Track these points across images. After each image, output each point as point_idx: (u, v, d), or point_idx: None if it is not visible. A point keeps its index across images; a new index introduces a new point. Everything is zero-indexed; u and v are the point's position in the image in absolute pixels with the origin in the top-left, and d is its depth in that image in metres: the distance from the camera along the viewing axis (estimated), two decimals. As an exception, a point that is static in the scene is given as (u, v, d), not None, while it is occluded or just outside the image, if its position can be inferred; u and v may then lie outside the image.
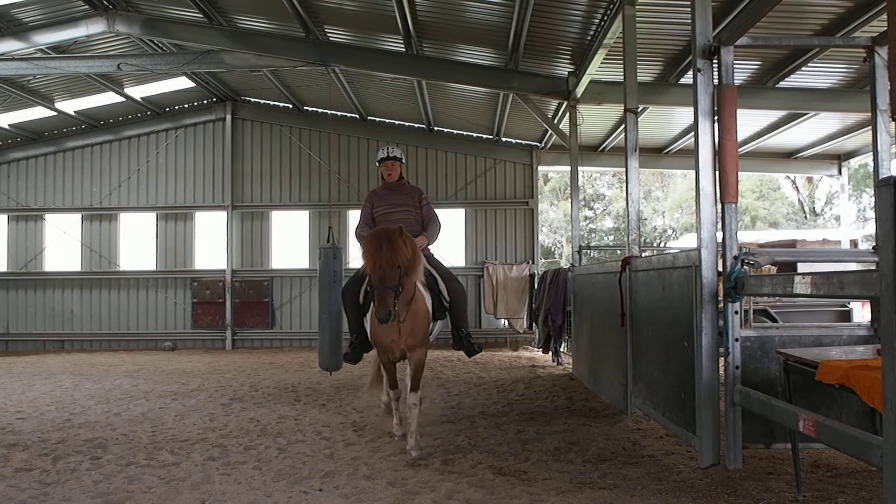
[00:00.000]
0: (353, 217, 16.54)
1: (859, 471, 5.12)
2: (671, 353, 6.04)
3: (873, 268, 3.42)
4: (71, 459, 6.15)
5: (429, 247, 7.12)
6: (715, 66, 5.37)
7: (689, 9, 5.54)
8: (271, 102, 17.62)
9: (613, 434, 6.76)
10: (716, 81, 5.37)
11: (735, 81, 5.34)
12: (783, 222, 33.33)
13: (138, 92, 16.04)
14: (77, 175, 17.90)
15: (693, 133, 5.49)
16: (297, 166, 17.71)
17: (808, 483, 4.80)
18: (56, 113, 16.22)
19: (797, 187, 33.20)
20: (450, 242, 16.47)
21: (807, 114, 12.86)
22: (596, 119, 14.27)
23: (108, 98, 15.95)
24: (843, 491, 4.70)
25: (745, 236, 19.10)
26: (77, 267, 17.79)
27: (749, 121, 13.66)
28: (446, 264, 7.51)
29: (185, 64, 13.04)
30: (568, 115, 12.28)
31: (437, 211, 7.52)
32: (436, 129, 17.40)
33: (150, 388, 10.54)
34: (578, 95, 11.79)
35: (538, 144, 17.34)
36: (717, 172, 5.29)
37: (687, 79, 11.34)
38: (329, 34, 12.53)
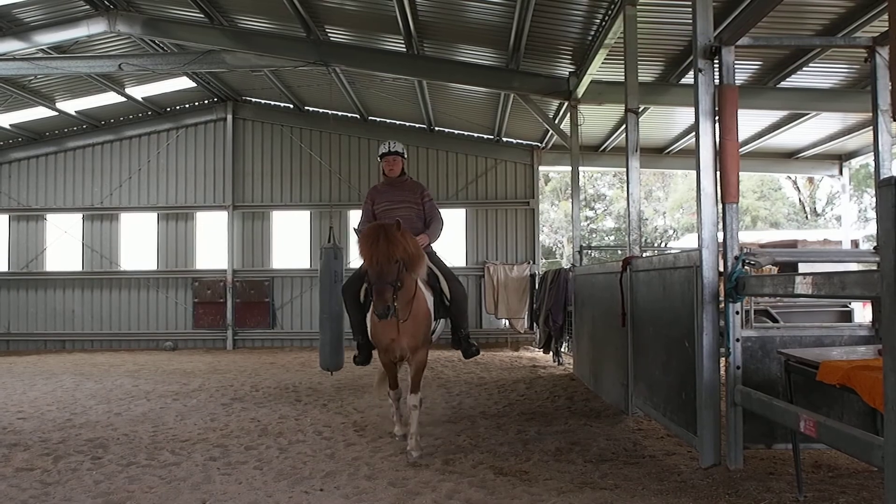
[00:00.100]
0: (354, 217, 16.46)
1: (860, 471, 5.12)
2: (672, 354, 6.04)
3: (874, 268, 3.42)
4: (72, 459, 6.15)
5: (431, 245, 7.02)
6: (716, 66, 5.37)
7: (690, 9, 5.54)
8: (272, 102, 17.63)
9: (614, 434, 6.75)
10: (717, 81, 5.37)
11: (736, 81, 5.34)
12: (784, 222, 33.33)
13: (139, 92, 16.04)
14: (78, 175, 17.91)
15: (694, 133, 5.48)
16: (298, 166, 17.71)
17: (809, 483, 4.80)
18: (57, 113, 16.23)
19: (798, 187, 33.19)
20: (451, 242, 16.46)
21: (808, 114, 12.85)
22: (597, 119, 14.27)
23: (109, 98, 15.96)
24: (845, 491, 4.70)
25: (746, 236, 19.09)
26: (78, 267, 17.81)
27: (750, 121, 13.65)
28: (448, 264, 7.35)
29: (185, 64, 13.05)
30: (569, 115, 12.28)
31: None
32: (436, 129, 17.40)
33: (151, 388, 10.55)
34: (579, 95, 11.78)
35: (539, 144, 17.34)
36: (718, 172, 5.28)
37: (688, 79, 11.33)
38: (330, 34, 12.53)
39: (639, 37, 8.93)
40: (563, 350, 13.13)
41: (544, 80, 12.26)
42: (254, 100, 17.78)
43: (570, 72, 11.95)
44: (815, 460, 5.40)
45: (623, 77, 8.99)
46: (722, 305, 5.21)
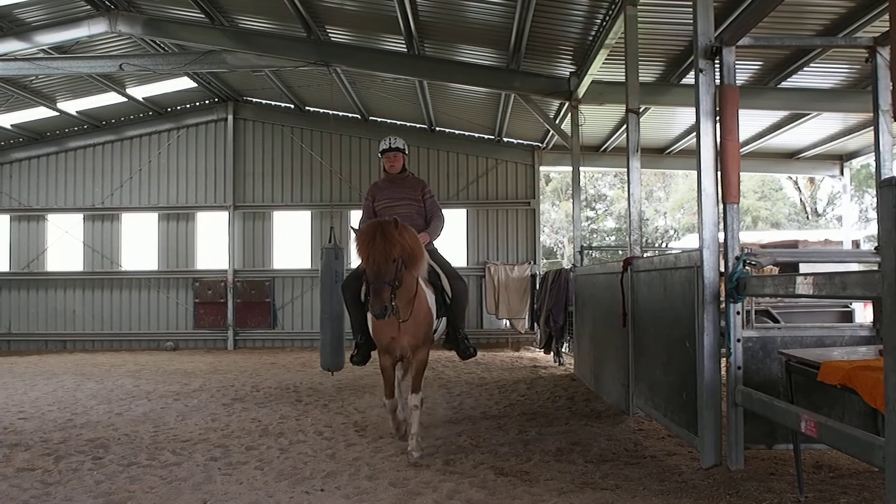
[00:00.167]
0: (355, 217, 16.51)
1: (861, 472, 5.11)
2: (673, 354, 6.03)
3: (875, 268, 3.42)
4: (73, 459, 6.16)
5: (433, 242, 6.92)
6: (717, 66, 5.37)
7: (691, 9, 5.54)
8: (273, 102, 17.63)
9: (615, 435, 6.75)
10: (717, 82, 5.37)
11: (737, 82, 5.34)
12: (785, 223, 33.31)
13: (140, 92, 16.05)
14: (79, 175, 17.92)
15: (695, 133, 5.48)
16: (299, 166, 17.72)
17: (810, 484, 4.79)
18: (58, 113, 16.23)
19: (799, 188, 33.17)
20: (451, 243, 16.45)
21: (809, 114, 12.85)
22: (597, 119, 14.27)
23: (110, 98, 15.96)
24: (846, 492, 4.69)
25: (747, 237, 19.08)
26: (79, 267, 17.81)
27: (751, 121, 13.65)
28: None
29: (186, 64, 13.05)
30: (570, 115, 12.28)
31: (439, 211, 7.33)
32: (437, 129, 17.40)
33: (152, 388, 10.55)
34: (580, 96, 11.78)
35: (540, 145, 17.34)
36: (719, 173, 5.28)
37: (689, 79, 11.33)
38: (330, 34, 12.54)
39: (639, 37, 8.93)
40: (563, 350, 13.12)
41: (545, 81, 12.26)
42: (254, 100, 17.78)
43: (570, 72, 11.95)
44: (816, 461, 5.40)
45: (624, 77, 8.98)
46: (723, 306, 5.21)
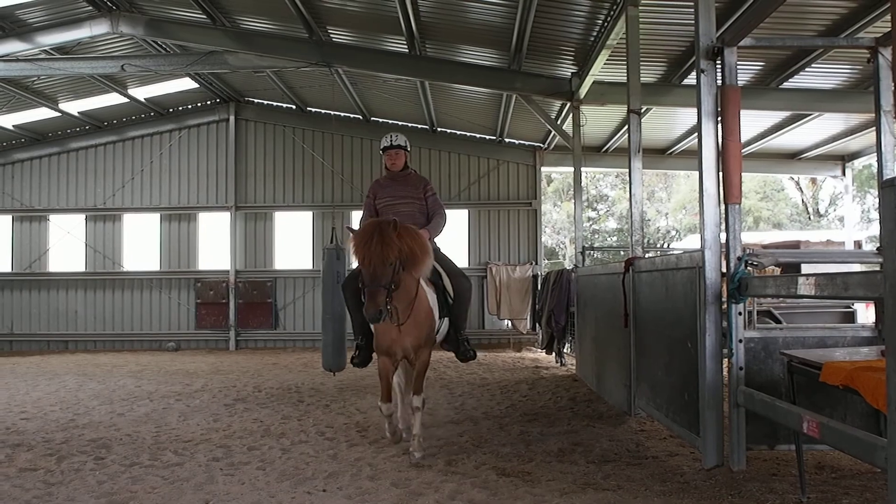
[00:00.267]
0: (357, 218, 16.55)
1: (864, 472, 5.11)
2: (675, 355, 6.03)
3: (877, 269, 3.42)
4: (75, 459, 6.16)
5: (434, 240, 6.72)
6: (718, 66, 5.37)
7: (693, 10, 5.54)
8: (274, 103, 17.65)
9: (617, 435, 6.75)
10: (719, 82, 5.37)
11: (738, 82, 5.34)
12: (787, 223, 33.28)
13: (142, 93, 16.07)
14: (81, 176, 17.94)
15: (696, 134, 5.48)
16: (301, 167, 17.73)
17: (812, 485, 4.79)
18: (60, 114, 16.25)
19: (801, 188, 33.14)
20: (453, 243, 16.45)
21: (810, 115, 12.85)
22: (599, 120, 14.26)
23: (112, 99, 15.99)
24: (848, 493, 4.69)
25: (749, 237, 19.06)
26: (81, 267, 17.83)
27: (752, 122, 13.64)
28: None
29: (188, 65, 13.07)
30: (571, 115, 12.29)
31: (441, 211, 7.19)
32: (439, 129, 17.41)
33: (154, 388, 10.56)
34: (582, 96, 11.78)
35: (541, 145, 17.35)
36: (721, 173, 5.28)
37: (690, 80, 11.32)
38: (332, 35, 12.55)
39: (641, 37, 8.93)
40: (565, 351, 13.12)
41: (546, 81, 12.26)
42: (256, 101, 17.79)
43: (572, 72, 11.94)
44: (819, 461, 5.39)
45: (625, 78, 8.98)
46: (724, 306, 5.21)
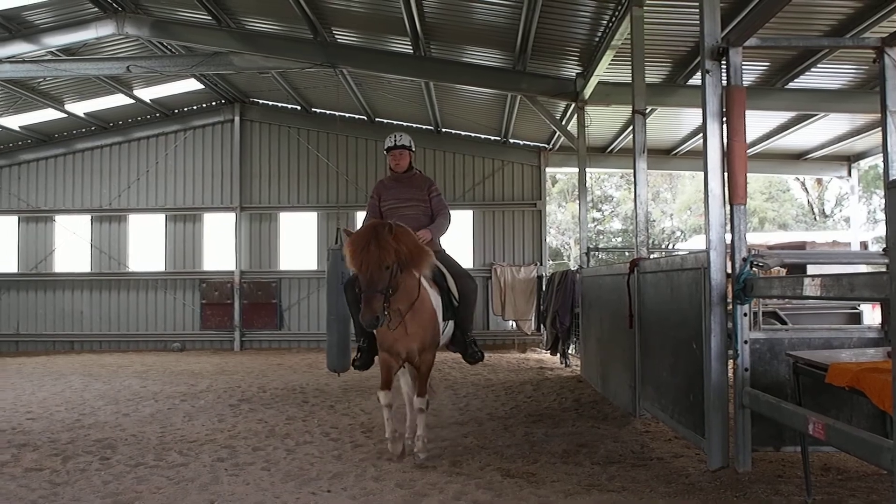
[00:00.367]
0: (362, 218, 16.57)
1: (870, 474, 5.10)
2: (680, 356, 6.02)
3: (883, 270, 3.41)
4: (80, 460, 6.18)
5: (438, 241, 6.64)
6: (723, 67, 5.35)
7: (698, 10, 5.53)
8: (279, 104, 17.66)
9: (622, 436, 6.74)
10: (724, 83, 5.36)
11: (744, 82, 5.31)
12: (792, 224, 33.18)
13: (147, 94, 16.10)
14: (87, 176, 17.98)
15: (701, 134, 5.47)
16: (306, 168, 17.75)
17: (818, 486, 4.78)
18: (66, 115, 16.29)
19: (807, 189, 33.04)
20: (458, 244, 16.45)
21: (816, 115, 12.82)
22: (604, 120, 14.25)
23: (118, 100, 16.03)
24: (854, 494, 4.68)
25: (754, 238, 19.02)
26: (86, 268, 17.88)
27: (758, 122, 13.61)
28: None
29: (193, 66, 13.11)
30: (576, 116, 12.28)
31: (445, 212, 7.05)
32: (443, 130, 17.41)
33: (159, 388, 10.58)
34: (586, 97, 11.77)
35: (546, 146, 17.34)
36: (726, 174, 5.27)
37: (695, 80, 11.31)
38: (337, 36, 12.56)
39: (646, 38, 8.93)
40: (570, 352, 13.10)
41: (551, 82, 12.26)
42: (261, 101, 17.82)
43: (577, 73, 11.94)
44: (824, 463, 5.38)
45: (630, 78, 8.98)
46: (730, 307, 5.20)
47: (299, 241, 17.77)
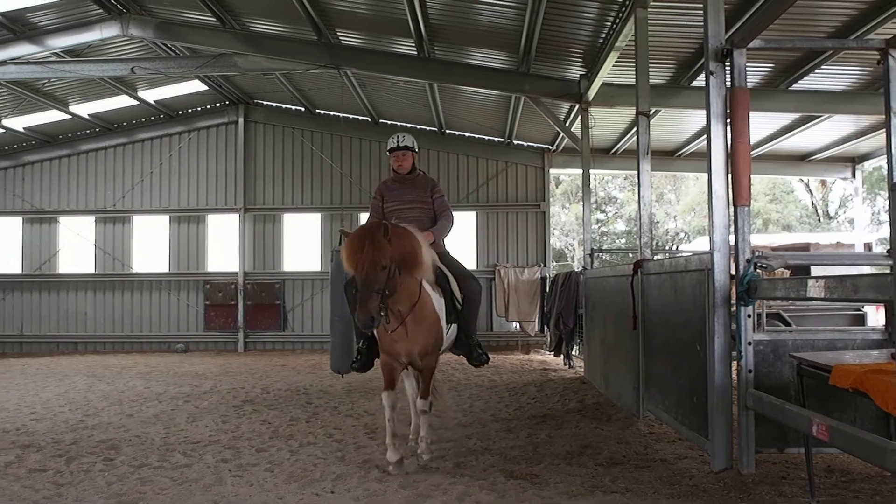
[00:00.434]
0: (365, 219, 16.56)
1: (874, 476, 5.08)
2: (683, 357, 6.01)
3: (887, 271, 3.41)
4: (84, 460, 6.18)
5: (441, 242, 6.53)
6: (727, 68, 5.35)
7: (702, 11, 5.53)
8: (283, 105, 17.69)
9: (625, 438, 6.73)
10: (728, 84, 5.36)
11: (748, 84, 5.32)
12: (796, 225, 33.14)
13: (151, 95, 16.13)
14: (91, 178, 18.02)
15: (705, 136, 5.47)
16: (310, 169, 17.77)
17: (821, 488, 4.77)
18: (70, 116, 16.34)
19: (810, 190, 33.00)
20: (461, 245, 16.45)
21: (820, 116, 12.79)
22: (608, 122, 14.25)
23: (122, 101, 16.06)
24: (858, 496, 4.67)
25: (758, 239, 18.99)
26: (90, 269, 17.92)
27: (762, 123, 13.59)
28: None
29: (197, 67, 13.13)
30: (580, 117, 12.27)
31: (448, 213, 6.99)
32: (447, 131, 17.41)
33: (163, 389, 10.59)
34: (590, 98, 11.77)
35: (550, 147, 17.33)
36: (730, 175, 5.26)
37: (699, 81, 11.30)
38: (341, 37, 12.57)
39: (650, 39, 8.93)
40: (573, 353, 13.10)
41: (555, 83, 12.26)
42: (265, 103, 17.84)
43: (580, 74, 11.93)
44: (828, 464, 5.37)
45: (634, 80, 8.98)
46: (734, 309, 5.20)
47: (303, 243, 17.79)
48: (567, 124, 14.02)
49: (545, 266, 17.09)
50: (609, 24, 9.95)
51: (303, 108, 17.46)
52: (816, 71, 10.80)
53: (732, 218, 5.27)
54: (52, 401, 9.64)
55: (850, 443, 3.60)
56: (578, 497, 4.89)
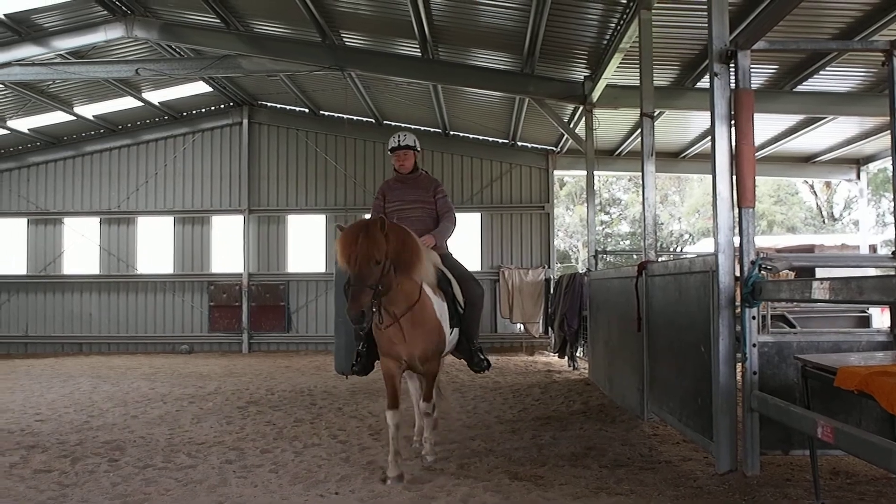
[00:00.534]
0: (369, 221, 16.55)
1: (879, 478, 5.07)
2: (688, 359, 6.01)
3: (892, 273, 3.40)
4: (89, 461, 6.20)
5: (443, 244, 6.40)
6: (732, 70, 5.35)
7: (706, 13, 5.52)
8: (288, 107, 17.72)
9: (630, 439, 6.73)
10: (732, 85, 5.35)
11: (752, 85, 5.31)
12: (801, 227, 33.08)
13: (156, 96, 16.17)
14: (96, 179, 18.07)
15: (710, 137, 5.47)
16: (314, 170, 17.79)
17: (826, 490, 4.76)
18: (75, 117, 16.38)
19: (815, 192, 32.94)
20: (465, 247, 16.46)
21: (825, 118, 12.77)
22: (612, 123, 14.23)
23: (127, 103, 16.11)
24: (863, 498, 4.66)
25: (763, 241, 18.97)
26: (95, 270, 17.96)
27: (766, 125, 13.57)
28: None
29: (202, 69, 13.16)
30: (584, 119, 12.26)
31: (453, 215, 6.91)
32: (451, 133, 17.42)
33: (168, 391, 10.61)
34: (594, 100, 11.76)
35: (554, 149, 17.33)
36: (734, 177, 5.26)
37: (703, 83, 11.29)
38: (345, 39, 12.58)
39: (654, 41, 8.91)
40: (578, 355, 13.08)
41: (559, 85, 12.25)
42: (269, 104, 17.87)
43: (585, 76, 11.93)
44: (833, 467, 5.36)
45: (638, 81, 8.97)
46: (738, 310, 5.19)
47: (307, 244, 17.82)
48: (571, 126, 14.03)
49: (549, 267, 17.08)
50: (613, 25, 9.95)
51: (307, 110, 17.49)
52: (821, 72, 10.78)
53: (737, 219, 5.26)
54: (56, 402, 9.66)
55: (856, 445, 3.60)
56: (583, 499, 4.89)
